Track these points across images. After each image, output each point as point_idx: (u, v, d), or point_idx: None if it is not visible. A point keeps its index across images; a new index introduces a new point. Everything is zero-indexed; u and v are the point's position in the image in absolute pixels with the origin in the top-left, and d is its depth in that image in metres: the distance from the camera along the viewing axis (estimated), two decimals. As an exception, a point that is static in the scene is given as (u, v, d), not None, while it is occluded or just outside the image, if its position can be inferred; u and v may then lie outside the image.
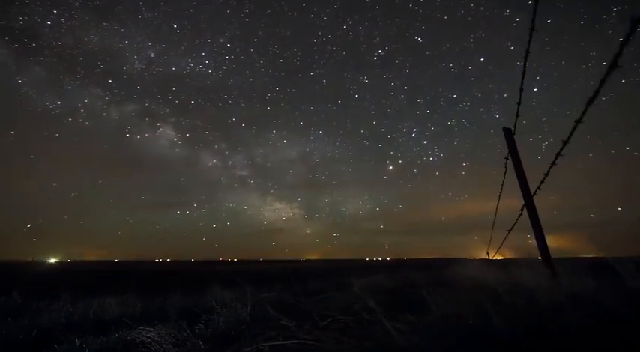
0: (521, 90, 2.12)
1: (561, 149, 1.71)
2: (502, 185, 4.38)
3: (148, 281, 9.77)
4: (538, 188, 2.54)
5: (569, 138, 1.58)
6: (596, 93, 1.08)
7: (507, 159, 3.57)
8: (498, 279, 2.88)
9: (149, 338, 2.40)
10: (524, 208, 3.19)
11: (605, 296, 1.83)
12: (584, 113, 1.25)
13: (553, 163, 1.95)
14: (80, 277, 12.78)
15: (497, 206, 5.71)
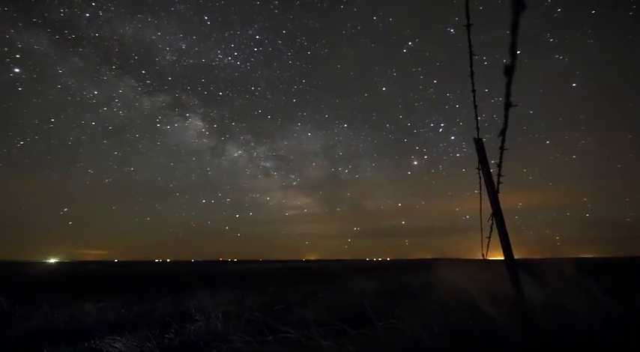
0: (475, 107, 2.15)
1: (499, 174, 1.74)
2: (480, 193, 4.43)
3: (137, 284, 9.81)
4: (496, 205, 2.58)
5: (501, 163, 1.61)
6: (505, 127, 1.12)
7: (479, 169, 3.60)
8: (463, 285, 2.90)
9: (116, 348, 2.43)
10: (493, 217, 3.23)
11: (545, 308, 1.87)
12: (503, 141, 1.29)
13: (497, 187, 1.98)
14: (72, 279, 12.81)
15: (480, 210, 5.80)
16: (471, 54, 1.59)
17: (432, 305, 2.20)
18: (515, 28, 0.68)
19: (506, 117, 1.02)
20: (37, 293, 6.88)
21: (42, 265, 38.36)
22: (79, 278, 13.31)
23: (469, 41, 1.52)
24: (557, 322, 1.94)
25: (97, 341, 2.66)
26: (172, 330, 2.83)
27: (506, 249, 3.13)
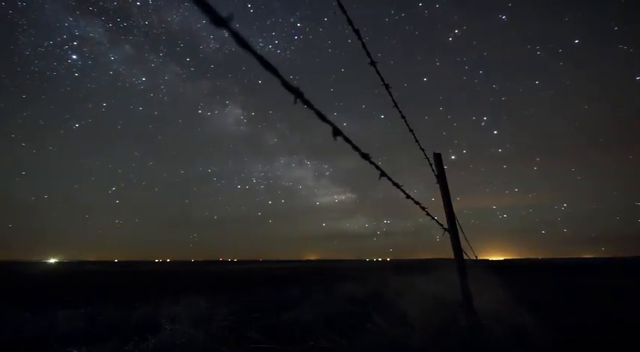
0: (410, 130, 2.21)
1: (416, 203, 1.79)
2: (444, 204, 4.50)
3: (126, 287, 9.89)
4: (451, 220, 2.63)
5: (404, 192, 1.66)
6: (381, 173, 1.19)
7: (438, 183, 3.67)
8: (420, 294, 2.96)
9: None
10: (447, 231, 3.28)
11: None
12: (391, 180, 1.34)
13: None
14: (63, 282, 12.89)
15: (452, 218, 5.93)
16: (388, 88, 1.65)
17: (374, 320, 2.26)
18: (322, 117, 0.75)
19: (372, 163, 1.09)
20: (22, 298, 6.97)
21: (40, 266, 38.53)
22: (70, 280, 13.39)
23: (380, 77, 1.58)
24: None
25: (56, 354, 2.72)
26: (132, 342, 2.89)
27: (459, 261, 3.18)
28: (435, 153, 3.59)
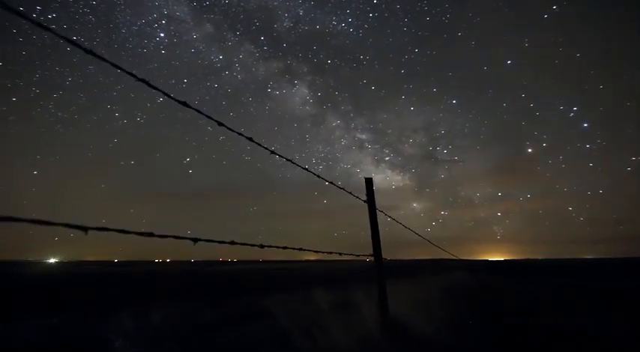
0: (315, 176, 2.36)
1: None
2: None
3: (105, 291, 10.02)
4: (376, 247, 2.77)
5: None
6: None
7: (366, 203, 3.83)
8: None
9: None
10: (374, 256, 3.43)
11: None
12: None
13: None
14: (50, 286, 13.00)
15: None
16: (253, 140, 1.81)
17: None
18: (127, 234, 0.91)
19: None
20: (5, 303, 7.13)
21: (37, 266, 38.75)
22: (57, 283, 13.50)
23: (262, 146, 1.73)
24: None
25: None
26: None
27: (381, 291, 3.32)
28: (365, 178, 3.75)
